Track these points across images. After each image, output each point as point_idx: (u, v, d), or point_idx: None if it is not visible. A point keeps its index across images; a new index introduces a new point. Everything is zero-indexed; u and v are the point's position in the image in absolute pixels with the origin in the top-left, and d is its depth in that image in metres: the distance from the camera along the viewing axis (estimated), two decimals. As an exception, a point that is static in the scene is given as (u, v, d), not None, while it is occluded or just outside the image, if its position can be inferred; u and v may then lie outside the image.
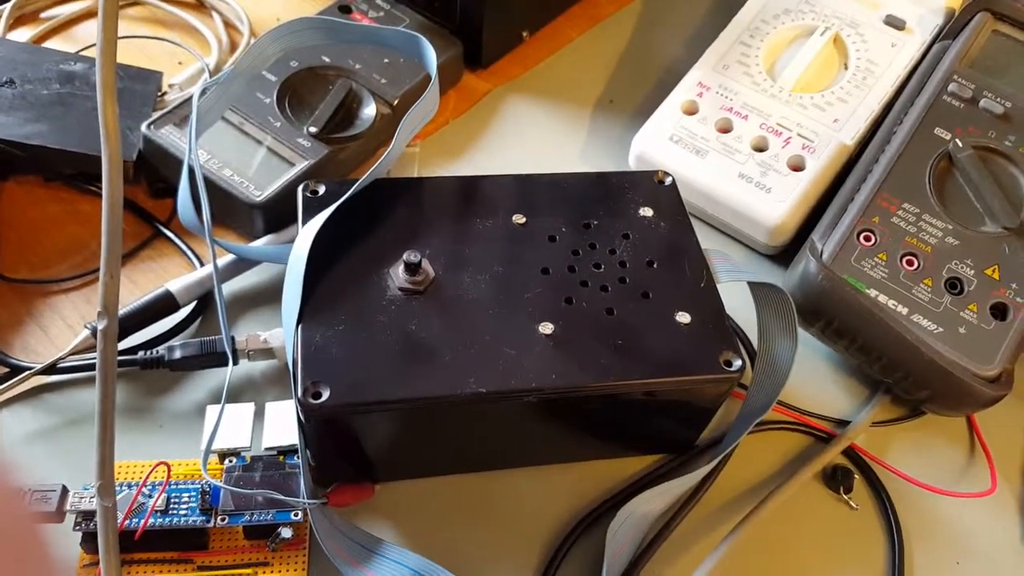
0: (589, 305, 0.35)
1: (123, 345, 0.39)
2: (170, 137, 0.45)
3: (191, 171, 0.40)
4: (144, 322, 0.40)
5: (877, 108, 0.47)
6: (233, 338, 0.38)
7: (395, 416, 0.33)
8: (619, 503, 0.37)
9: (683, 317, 0.35)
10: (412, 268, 0.34)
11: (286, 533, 0.33)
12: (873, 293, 0.40)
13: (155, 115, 0.46)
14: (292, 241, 0.43)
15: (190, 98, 0.42)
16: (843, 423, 0.42)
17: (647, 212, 0.39)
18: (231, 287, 0.43)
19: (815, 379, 0.44)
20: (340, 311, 0.34)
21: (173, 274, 0.43)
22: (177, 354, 0.38)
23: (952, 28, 0.47)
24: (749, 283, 0.40)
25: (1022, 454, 0.42)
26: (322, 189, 0.38)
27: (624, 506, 0.35)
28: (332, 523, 0.33)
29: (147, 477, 0.33)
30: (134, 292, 0.42)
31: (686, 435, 0.39)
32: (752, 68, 0.49)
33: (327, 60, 0.50)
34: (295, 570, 0.34)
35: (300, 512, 0.34)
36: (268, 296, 0.43)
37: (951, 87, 0.45)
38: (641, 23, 0.62)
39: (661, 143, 0.48)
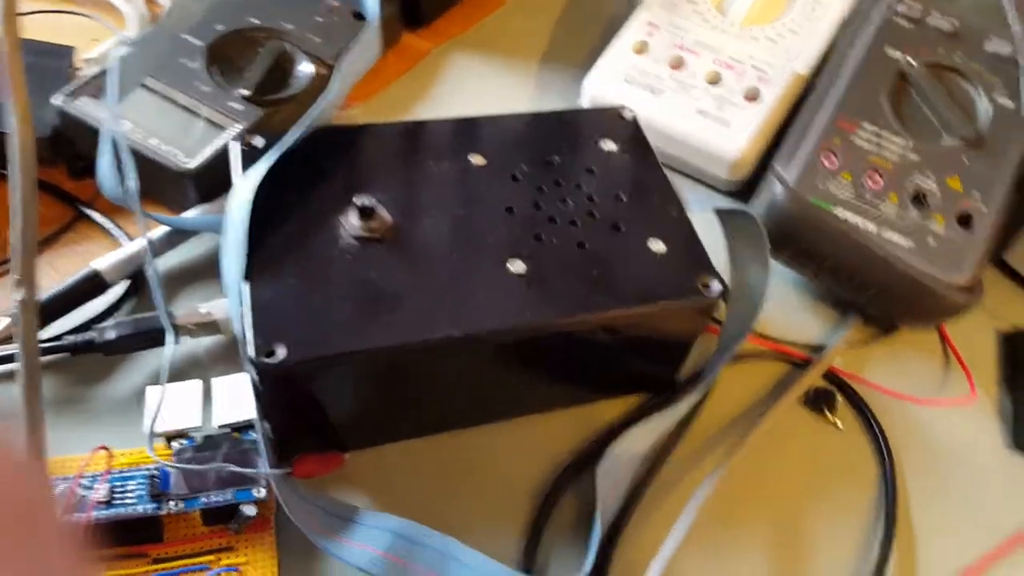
0: (559, 241, 0.33)
1: (50, 332, 0.36)
2: (87, 108, 0.41)
3: (114, 139, 0.36)
4: (69, 305, 0.36)
5: (828, 36, 0.47)
6: (171, 313, 0.35)
7: (360, 372, 0.30)
8: (605, 446, 0.35)
9: (657, 245, 0.34)
10: (365, 213, 0.32)
11: (249, 511, 0.30)
12: (840, 212, 0.39)
13: (69, 87, 0.42)
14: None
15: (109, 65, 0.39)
16: (819, 348, 0.41)
17: (610, 146, 0.38)
18: (165, 263, 0.40)
19: (786, 308, 0.43)
20: (290, 265, 0.31)
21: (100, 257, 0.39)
22: (111, 335, 0.35)
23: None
24: (719, 213, 0.38)
25: (995, 362, 0.42)
26: (260, 142, 0.35)
27: (611, 446, 0.34)
28: (300, 494, 0.31)
29: (85, 465, 0.30)
30: (57, 280, 0.38)
31: (665, 372, 0.38)
32: (700, 5, 0.48)
33: (256, 22, 0.47)
34: (263, 552, 0.31)
35: (263, 487, 0.31)
36: (206, 270, 0.40)
37: (899, 8, 0.44)
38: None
39: (614, 84, 0.46)
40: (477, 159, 0.36)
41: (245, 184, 0.32)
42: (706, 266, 0.33)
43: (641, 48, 0.47)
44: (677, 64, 0.46)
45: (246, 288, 0.30)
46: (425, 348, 0.29)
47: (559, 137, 0.38)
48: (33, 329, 0.27)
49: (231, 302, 0.31)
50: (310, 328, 0.29)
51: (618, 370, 0.36)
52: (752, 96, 0.45)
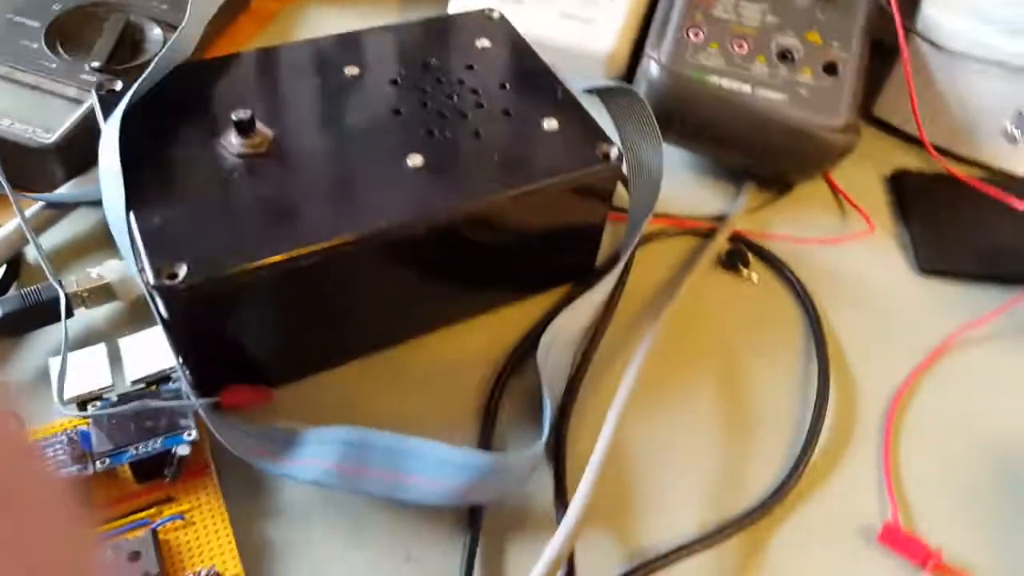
0: (453, 133, 0.33)
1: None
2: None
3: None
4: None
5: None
6: (60, 282, 0.33)
7: (267, 287, 0.29)
8: (539, 336, 0.35)
9: (550, 124, 0.34)
10: (244, 128, 0.30)
11: (183, 451, 0.28)
12: (715, 79, 0.41)
13: None
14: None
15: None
16: (721, 218, 0.42)
17: (484, 43, 0.38)
18: (45, 242, 0.37)
19: (685, 187, 0.44)
20: (175, 190, 0.29)
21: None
22: (-6, 310, 0.32)
23: None
24: (600, 93, 0.39)
25: (884, 201, 0.45)
26: (119, 85, 0.33)
27: (544, 333, 0.33)
28: (234, 424, 0.29)
29: None
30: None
31: (583, 259, 0.38)
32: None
33: (94, -2, 0.45)
34: (207, 495, 0.29)
35: (193, 429, 0.29)
36: (88, 246, 0.38)
37: None
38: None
39: (476, 3, 0.46)
40: (351, 70, 0.35)
41: (111, 121, 0.30)
42: (602, 136, 0.34)
43: (496, -33, 0.47)
44: (536, -25, 0.47)
45: (133, 219, 0.28)
46: (332, 253, 0.28)
47: (432, 42, 0.37)
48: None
49: (122, 243, 0.29)
50: (207, 246, 0.28)
51: (537, 262, 0.36)
52: (614, -7, 0.46)
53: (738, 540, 0.31)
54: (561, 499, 0.31)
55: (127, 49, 0.43)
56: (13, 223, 0.36)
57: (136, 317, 0.35)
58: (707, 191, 0.44)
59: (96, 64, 0.41)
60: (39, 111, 0.39)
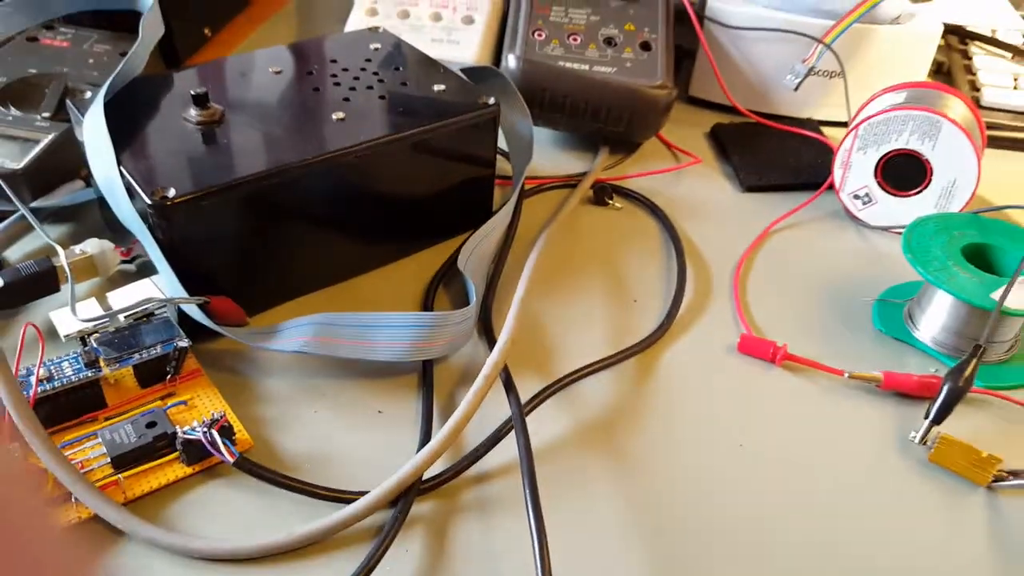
0: (364, 99, 0.42)
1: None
2: (-102, 146, 0.44)
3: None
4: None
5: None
6: (47, 257, 0.39)
7: (236, 203, 0.36)
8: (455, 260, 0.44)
9: (439, 87, 0.44)
10: (201, 100, 0.39)
11: (183, 343, 0.35)
12: (560, 63, 0.52)
13: None
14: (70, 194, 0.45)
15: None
16: (585, 174, 0.53)
17: (376, 45, 0.48)
18: (12, 255, 0.43)
19: (552, 157, 0.54)
20: (152, 149, 0.37)
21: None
22: (-2, 283, 0.38)
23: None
24: (473, 75, 0.49)
25: (707, 148, 0.57)
26: (88, 94, 0.41)
27: (462, 250, 0.42)
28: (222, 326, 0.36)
29: (20, 350, 0.33)
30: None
31: (480, 207, 0.47)
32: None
33: (35, 71, 0.52)
34: (203, 387, 0.35)
35: (186, 337, 0.35)
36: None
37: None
38: (301, 15, 0.72)
39: (361, 38, 0.57)
40: (274, 68, 0.44)
41: (94, 110, 0.38)
42: (480, 92, 0.44)
43: (372, 12, 0.59)
44: (404, 15, 0.58)
45: (123, 163, 0.35)
46: (281, 175, 0.36)
47: (334, 49, 0.47)
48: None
49: (113, 196, 0.36)
50: (187, 174, 0.35)
51: (445, 205, 0.45)
52: (468, 21, 0.58)
53: (633, 362, 0.39)
54: (491, 341, 0.38)
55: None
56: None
57: (114, 288, 0.41)
58: (570, 158, 0.55)
59: (47, 114, 0.48)
60: (4, 150, 0.45)
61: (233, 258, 0.38)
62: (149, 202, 0.34)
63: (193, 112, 0.39)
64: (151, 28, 0.43)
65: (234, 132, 0.38)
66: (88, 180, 0.47)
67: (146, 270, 0.41)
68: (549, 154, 0.55)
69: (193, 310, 0.35)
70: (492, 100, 0.43)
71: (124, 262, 0.42)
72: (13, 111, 0.48)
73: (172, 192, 0.34)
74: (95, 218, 0.46)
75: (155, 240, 0.35)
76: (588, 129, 0.54)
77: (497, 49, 0.57)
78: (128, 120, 0.39)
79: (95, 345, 0.35)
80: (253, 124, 0.39)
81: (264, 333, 0.36)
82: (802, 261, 0.47)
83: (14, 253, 0.43)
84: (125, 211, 0.36)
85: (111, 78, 0.40)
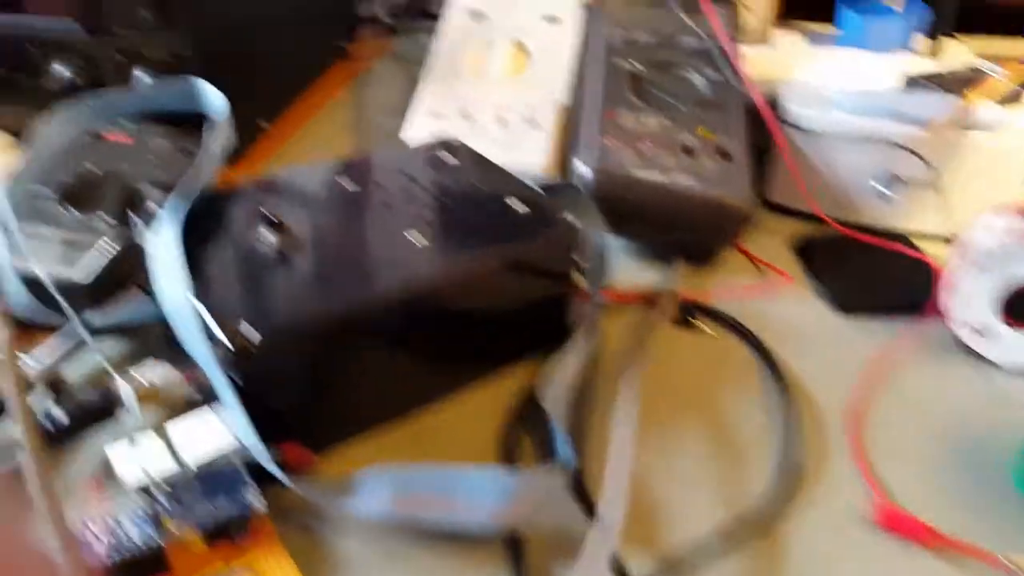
0: (440, 218, 0.40)
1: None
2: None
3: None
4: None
5: (567, 70, 0.60)
6: (109, 388, 0.37)
7: (314, 339, 0.34)
8: (534, 389, 0.41)
9: (517, 205, 0.42)
10: (275, 224, 0.37)
11: (255, 502, 0.32)
12: (636, 172, 0.50)
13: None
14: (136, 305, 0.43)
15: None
16: (663, 288, 0.50)
17: (450, 160, 0.46)
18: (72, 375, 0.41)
19: (625, 269, 0.52)
20: (224, 277, 0.35)
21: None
22: (61, 418, 0.35)
23: (592, 8, 0.62)
24: (549, 191, 0.47)
25: (791, 259, 0.54)
26: (156, 208, 0.39)
27: (543, 386, 0.39)
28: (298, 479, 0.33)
29: (87, 511, 0.31)
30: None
31: (558, 326, 0.44)
32: (465, 76, 0.60)
33: (97, 170, 0.51)
34: (271, 549, 0.33)
35: (257, 495, 0.33)
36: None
37: (613, 36, 0.58)
38: (354, 106, 0.72)
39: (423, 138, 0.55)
40: (346, 183, 0.43)
41: (164, 229, 0.36)
42: (560, 210, 0.42)
43: (433, 114, 0.58)
44: (466, 117, 0.57)
45: (194, 298, 0.33)
46: (362, 307, 0.34)
47: (407, 161, 0.45)
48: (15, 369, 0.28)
49: (184, 329, 0.34)
50: (263, 312, 0.33)
51: (524, 327, 0.43)
52: (534, 124, 0.56)
53: (752, 540, 0.35)
54: (589, 509, 0.35)
55: (133, 207, 0.49)
56: (52, 346, 0.40)
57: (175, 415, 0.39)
58: (642, 270, 0.52)
59: (108, 218, 0.47)
60: (65, 256, 0.44)
61: (304, 396, 0.35)
62: (226, 343, 0.32)
63: (266, 235, 0.37)
64: (223, 138, 0.42)
65: (309, 258, 0.36)
66: (148, 291, 0.46)
67: (210, 395, 0.39)
68: (618, 261, 0.52)
69: (266, 462, 0.33)
70: (572, 219, 0.41)
71: (188, 389, 0.40)
72: (74, 213, 0.47)
73: (249, 333, 0.32)
74: (157, 332, 0.43)
75: (226, 379, 0.33)
76: (664, 240, 0.51)
77: (563, 154, 0.56)
78: (196, 239, 0.37)
79: (160, 499, 0.32)
80: (328, 248, 0.37)
81: (337, 490, 0.34)
82: (920, 404, 0.43)
83: (72, 372, 0.41)
84: (195, 345, 0.34)
85: (181, 193, 0.39)
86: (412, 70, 0.79)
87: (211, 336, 0.32)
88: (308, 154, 0.63)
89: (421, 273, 0.36)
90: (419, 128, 0.56)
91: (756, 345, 0.46)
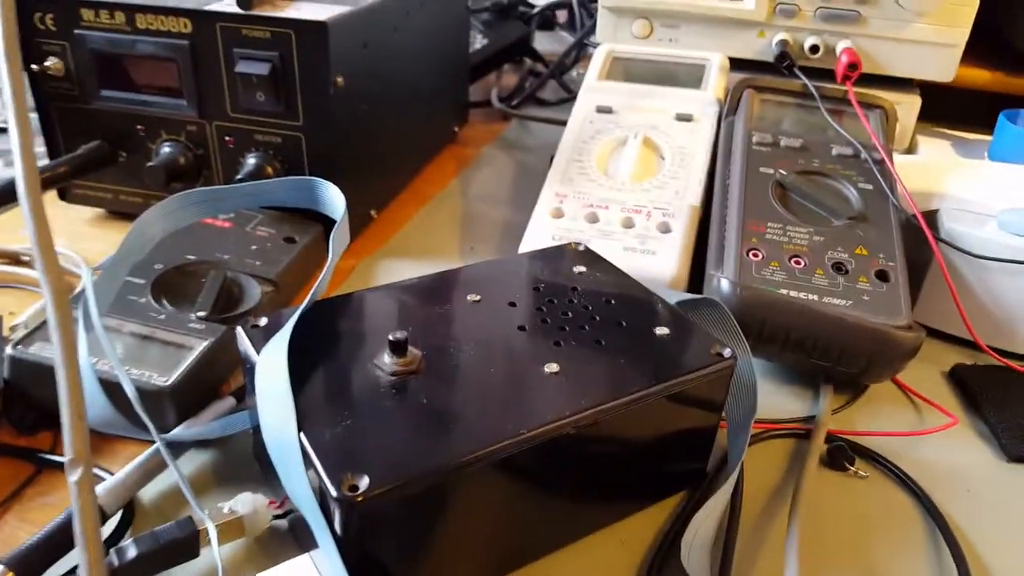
0: (577, 343, 0.35)
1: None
2: (44, 352, 0.39)
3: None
4: (61, 549, 0.32)
5: (703, 176, 0.55)
6: (191, 518, 0.32)
7: (438, 493, 0.29)
8: (672, 542, 0.35)
9: (662, 331, 0.36)
10: (399, 348, 0.32)
11: None
12: (784, 291, 0.44)
13: (16, 337, 0.40)
14: (222, 416, 0.39)
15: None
16: (807, 420, 0.44)
17: (581, 269, 0.41)
18: (148, 493, 0.37)
19: (765, 393, 0.46)
20: (338, 409, 0.30)
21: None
22: (131, 553, 0.30)
23: (729, 108, 0.58)
24: (689, 307, 0.42)
25: (947, 392, 0.47)
26: (263, 321, 0.35)
27: (683, 536, 0.33)
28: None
29: None
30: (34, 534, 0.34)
31: (697, 464, 0.38)
32: (592, 175, 0.55)
33: (192, 257, 0.48)
34: None
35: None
36: (201, 486, 0.37)
37: (754, 139, 0.53)
38: (464, 195, 0.68)
39: (544, 244, 0.51)
40: (473, 296, 0.38)
41: (275, 350, 0.32)
42: (712, 338, 0.36)
43: (557, 213, 0.53)
44: (592, 219, 0.52)
45: (304, 437, 0.28)
46: (493, 453, 0.29)
47: (534, 270, 0.41)
48: (93, 511, 0.24)
49: (286, 467, 0.29)
50: (381, 458, 0.28)
51: (661, 466, 0.37)
52: (665, 229, 0.51)
53: None
54: None
55: (226, 303, 0.46)
56: (130, 467, 0.36)
57: (259, 552, 0.34)
58: (784, 395, 0.46)
59: (202, 314, 0.43)
60: (151, 358, 0.40)
61: (413, 550, 0.30)
62: (335, 494, 0.26)
63: (388, 360, 0.32)
64: (340, 242, 0.38)
65: (433, 389, 0.32)
66: (239, 398, 0.41)
67: (299, 529, 0.34)
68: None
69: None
70: (728, 352, 0.35)
71: (276, 516, 0.35)
72: (166, 306, 0.44)
73: (364, 483, 0.27)
74: (243, 446, 0.39)
75: (330, 530, 0.28)
76: (809, 367, 0.45)
77: (696, 263, 0.50)
78: (305, 359, 0.33)
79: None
80: (454, 378, 0.32)
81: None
82: None
83: (149, 490, 0.37)
84: (297, 487, 0.29)
85: (301, 308, 0.35)
86: (522, 158, 0.77)
87: (309, 468, 0.27)
88: (418, 246, 0.59)
89: (559, 412, 0.31)
90: (542, 229, 0.52)
91: (920, 496, 0.39)
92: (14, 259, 0.54)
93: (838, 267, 0.46)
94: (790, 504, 0.37)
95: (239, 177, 0.54)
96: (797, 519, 0.36)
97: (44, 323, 0.41)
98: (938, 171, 0.54)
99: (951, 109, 0.72)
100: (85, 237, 0.58)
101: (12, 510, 0.35)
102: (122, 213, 0.60)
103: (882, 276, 0.45)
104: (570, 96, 0.91)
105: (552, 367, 0.33)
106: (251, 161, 0.54)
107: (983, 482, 0.41)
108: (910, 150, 0.65)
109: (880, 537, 0.37)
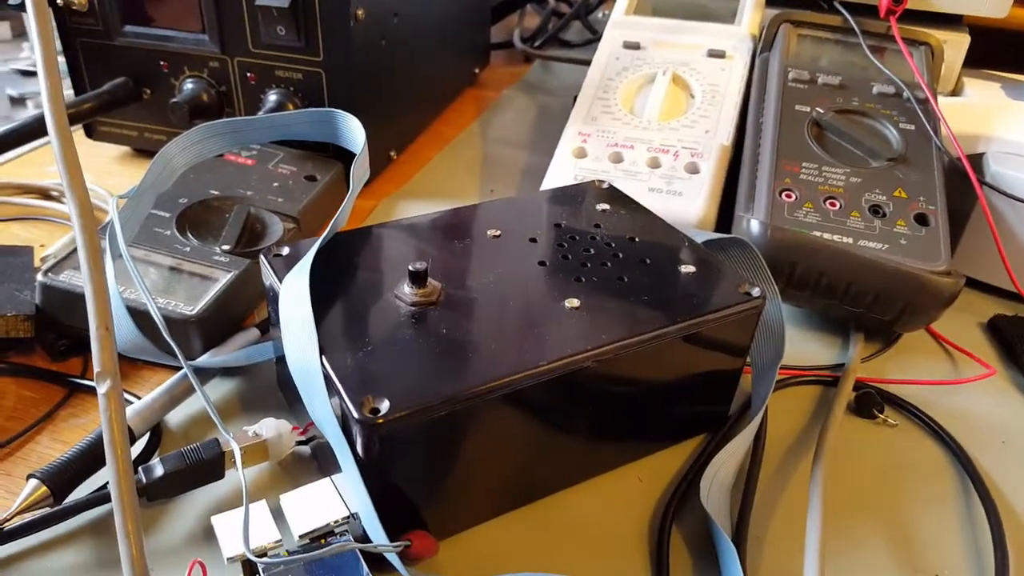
0: (599, 279, 0.34)
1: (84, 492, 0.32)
2: (73, 280, 0.40)
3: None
4: (94, 465, 0.33)
5: (734, 114, 0.53)
6: (217, 440, 0.32)
7: (457, 421, 0.29)
8: (691, 481, 0.35)
9: (688, 268, 0.36)
10: (419, 278, 0.32)
11: (373, 599, 0.27)
12: (818, 234, 0.43)
13: (46, 266, 0.40)
14: (246, 346, 0.39)
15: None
16: (835, 368, 0.43)
17: (604, 206, 0.40)
18: (174, 417, 0.37)
19: (792, 339, 0.45)
20: (359, 337, 0.30)
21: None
22: (158, 471, 0.31)
23: (764, 44, 0.56)
24: (716, 247, 0.41)
25: (984, 343, 0.46)
26: (285, 251, 0.35)
27: (703, 476, 0.33)
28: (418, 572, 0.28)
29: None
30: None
31: (719, 407, 0.38)
32: (617, 113, 0.54)
33: (216, 193, 0.48)
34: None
35: (372, 581, 0.27)
36: (227, 412, 0.38)
37: (791, 75, 0.52)
38: (484, 137, 0.67)
39: (568, 180, 0.50)
40: (493, 232, 0.37)
41: (297, 277, 0.32)
42: (740, 277, 0.35)
43: (580, 153, 0.52)
44: (617, 159, 0.51)
45: (326, 361, 0.28)
46: (513, 383, 0.29)
47: (556, 207, 0.40)
48: (121, 423, 0.24)
49: (308, 390, 0.29)
50: (402, 383, 0.28)
51: (681, 408, 0.36)
52: (693, 169, 0.50)
53: None
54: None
55: (252, 234, 0.46)
56: (158, 391, 0.36)
57: (283, 477, 0.34)
58: (814, 342, 0.45)
59: (226, 247, 0.43)
60: (177, 288, 0.40)
61: (431, 475, 0.30)
62: (356, 416, 0.26)
63: (408, 291, 0.32)
64: (360, 174, 0.37)
65: (453, 320, 0.31)
66: (263, 329, 0.42)
67: (322, 455, 0.34)
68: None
69: (387, 550, 0.28)
70: (757, 291, 0.34)
71: (299, 442, 0.35)
72: (191, 239, 0.44)
73: (384, 407, 0.27)
74: (268, 375, 0.39)
75: (352, 453, 0.28)
76: (840, 313, 0.44)
77: (726, 204, 0.49)
78: (327, 288, 0.32)
79: (263, 582, 0.27)
80: (474, 309, 0.32)
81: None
82: None
83: (176, 415, 0.37)
84: (320, 411, 0.29)
85: (322, 238, 0.34)
86: (544, 101, 0.75)
87: (333, 394, 0.27)
88: (438, 188, 0.59)
89: (579, 346, 0.30)
90: (564, 169, 0.51)
91: (952, 446, 0.38)
92: (44, 194, 0.54)
93: (875, 210, 0.44)
94: (815, 450, 0.37)
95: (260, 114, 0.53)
96: (822, 465, 0.36)
97: (73, 252, 0.41)
98: (985, 113, 0.52)
99: (1001, 51, 0.69)
100: (112, 174, 0.58)
101: (45, 431, 0.36)
102: (147, 151, 0.60)
103: (921, 220, 0.44)
104: (595, 37, 0.89)
105: (573, 302, 0.33)
106: (272, 98, 0.53)
107: (1019, 434, 0.40)
108: (955, 92, 0.62)
109: (908, 487, 0.36)
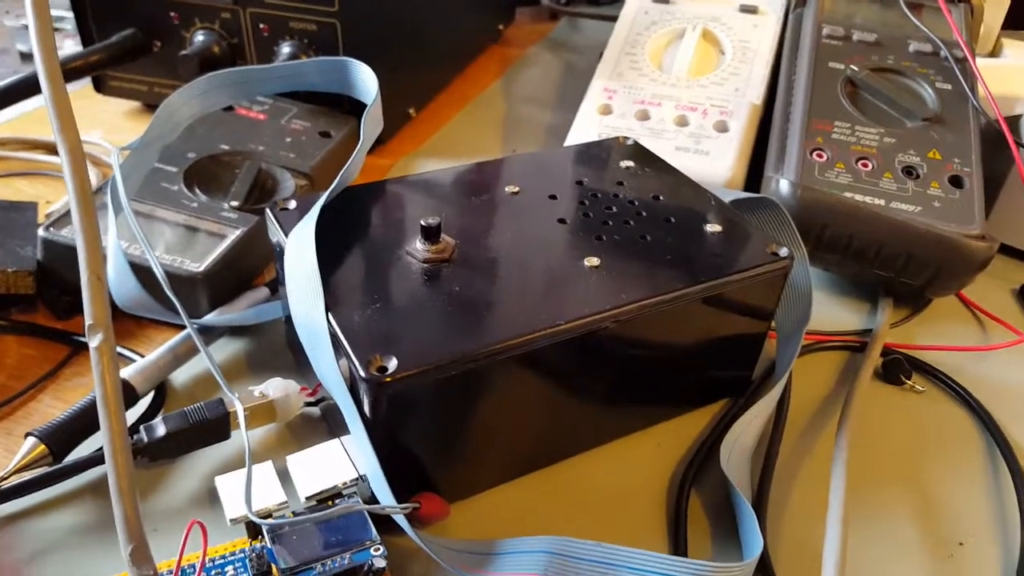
0: (621, 237, 0.33)
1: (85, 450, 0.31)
2: (73, 235, 0.38)
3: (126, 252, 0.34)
4: (94, 424, 0.32)
5: (766, 72, 0.51)
6: (222, 400, 0.31)
7: (469, 380, 0.27)
8: (713, 446, 0.34)
9: (713, 228, 0.34)
10: (432, 234, 0.30)
11: (379, 563, 0.26)
12: (849, 195, 0.41)
13: (48, 221, 0.39)
14: (255, 305, 0.38)
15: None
16: (863, 334, 0.41)
17: (628, 164, 0.38)
18: (179, 377, 0.36)
19: (819, 304, 0.43)
20: (368, 293, 0.29)
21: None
22: (160, 431, 0.30)
23: (798, 0, 0.53)
24: (744, 206, 0.39)
25: (1015, 311, 0.44)
26: (292, 204, 0.33)
27: (723, 440, 0.32)
28: (431, 538, 0.26)
29: (182, 551, 0.25)
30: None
31: (742, 371, 0.37)
32: (645, 69, 0.52)
33: (226, 147, 0.47)
34: (392, 622, 0.26)
35: (380, 546, 0.26)
36: (232, 372, 0.37)
37: (825, 31, 0.49)
38: (507, 96, 0.65)
39: (592, 137, 0.48)
40: (512, 188, 0.36)
41: (303, 231, 0.30)
42: (768, 237, 0.34)
43: (605, 110, 0.50)
44: (643, 116, 0.49)
45: (332, 318, 0.27)
46: (527, 343, 0.27)
47: (578, 164, 0.38)
48: (115, 379, 0.23)
49: (315, 348, 0.28)
50: (410, 340, 0.27)
51: (704, 371, 0.35)
52: (722, 128, 0.48)
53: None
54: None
55: (260, 194, 0.44)
56: (161, 350, 0.35)
57: (291, 439, 0.33)
58: (842, 307, 0.44)
59: (235, 203, 0.42)
60: (184, 244, 0.39)
61: (441, 437, 0.29)
62: (363, 375, 0.25)
63: (420, 247, 0.30)
64: (372, 126, 0.36)
65: (466, 278, 0.30)
66: (273, 288, 0.41)
67: (331, 416, 0.33)
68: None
69: (395, 512, 0.27)
70: (784, 251, 0.33)
71: (308, 403, 0.34)
72: (199, 195, 0.42)
73: (392, 365, 0.25)
74: (277, 335, 0.38)
75: (359, 413, 0.27)
76: (869, 277, 0.42)
77: (754, 164, 0.47)
78: (336, 244, 0.31)
79: (268, 545, 0.26)
80: (490, 267, 0.31)
81: (480, 551, 0.27)
82: None
83: (181, 375, 0.36)
84: (326, 370, 0.28)
85: (329, 190, 0.33)
86: (570, 59, 0.73)
87: (340, 353, 0.26)
88: (458, 148, 0.57)
89: (598, 306, 0.29)
90: (589, 126, 0.49)
91: (980, 413, 0.37)
92: (51, 149, 0.53)
93: (908, 171, 0.42)
94: (839, 416, 0.35)
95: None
96: (846, 430, 0.34)
97: (77, 207, 0.40)
98: (1020, 74, 0.50)
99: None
100: (122, 129, 0.57)
101: (47, 389, 0.35)
102: (158, 106, 0.59)
103: (956, 182, 0.42)
104: (625, -6, 0.86)
105: (593, 261, 0.31)
106: (285, 50, 0.52)
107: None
108: (993, 53, 0.59)
109: (935, 453, 0.35)
